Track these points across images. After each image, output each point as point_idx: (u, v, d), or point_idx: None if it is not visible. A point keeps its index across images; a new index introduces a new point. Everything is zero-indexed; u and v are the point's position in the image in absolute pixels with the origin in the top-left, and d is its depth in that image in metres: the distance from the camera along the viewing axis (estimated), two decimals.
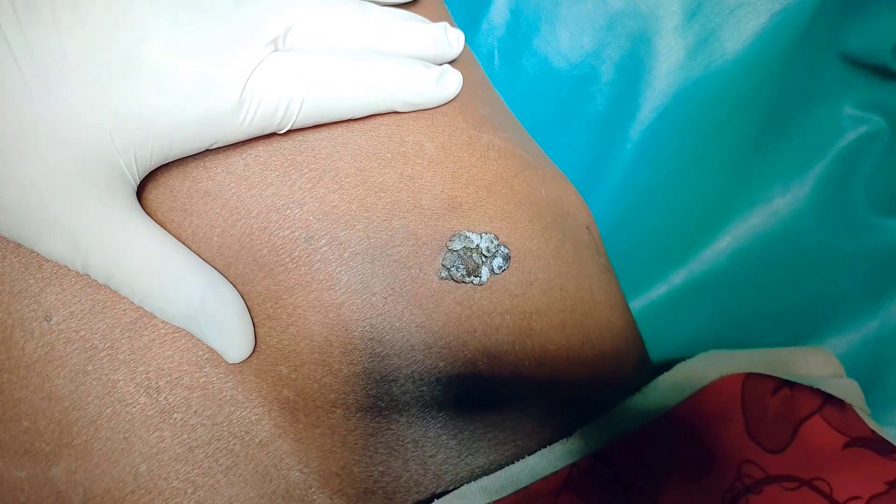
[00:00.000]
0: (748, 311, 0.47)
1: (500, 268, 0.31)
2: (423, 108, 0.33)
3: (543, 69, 0.45)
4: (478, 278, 0.31)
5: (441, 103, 0.33)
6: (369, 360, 0.30)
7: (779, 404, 0.35)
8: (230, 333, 0.29)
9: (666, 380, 0.35)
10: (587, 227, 0.38)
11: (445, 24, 0.34)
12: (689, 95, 0.44)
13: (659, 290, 0.48)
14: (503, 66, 0.46)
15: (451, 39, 0.34)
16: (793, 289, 0.47)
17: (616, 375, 0.36)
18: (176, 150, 0.27)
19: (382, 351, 0.30)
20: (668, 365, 0.37)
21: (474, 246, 0.31)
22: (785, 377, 0.35)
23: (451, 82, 0.33)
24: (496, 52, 0.46)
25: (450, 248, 0.31)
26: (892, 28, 0.43)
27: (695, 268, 0.48)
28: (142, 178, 0.28)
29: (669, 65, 0.43)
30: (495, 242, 0.31)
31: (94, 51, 0.24)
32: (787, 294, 0.47)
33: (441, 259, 0.31)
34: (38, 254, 0.28)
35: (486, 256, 0.31)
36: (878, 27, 0.43)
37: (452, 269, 0.31)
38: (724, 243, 0.47)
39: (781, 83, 0.44)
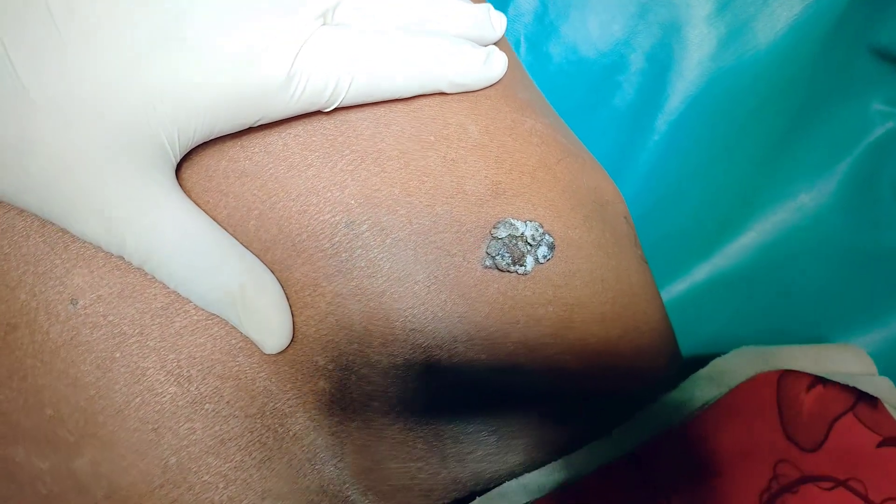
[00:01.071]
0: (771, 308, 0.47)
1: (544, 257, 0.30)
2: (469, 89, 0.31)
3: (571, 57, 0.45)
4: (522, 267, 0.30)
5: (487, 85, 0.32)
6: (410, 351, 0.29)
7: (813, 402, 0.35)
8: (268, 322, 0.27)
9: (701, 377, 0.35)
10: (625, 218, 0.37)
11: (488, 5, 0.33)
12: (719, 86, 0.43)
13: (681, 286, 0.48)
14: (529, 54, 0.45)
15: (494, 21, 0.33)
16: (817, 286, 0.46)
17: (652, 369, 0.36)
18: (220, 126, 0.26)
19: (424, 342, 0.29)
20: (698, 360, 0.36)
21: (519, 234, 0.30)
22: (821, 374, 0.35)
23: (497, 64, 0.32)
24: (522, 40, 0.45)
25: (494, 235, 0.30)
26: None
27: (718, 263, 0.47)
28: (183, 155, 0.27)
29: (700, 55, 0.43)
30: (540, 231, 0.30)
31: (136, 19, 0.23)
32: (812, 291, 0.46)
33: (485, 247, 0.30)
34: (65, 233, 0.27)
35: (530, 245, 0.30)
36: None
37: (497, 257, 0.30)
38: (749, 238, 0.47)
39: (812, 76, 0.44)
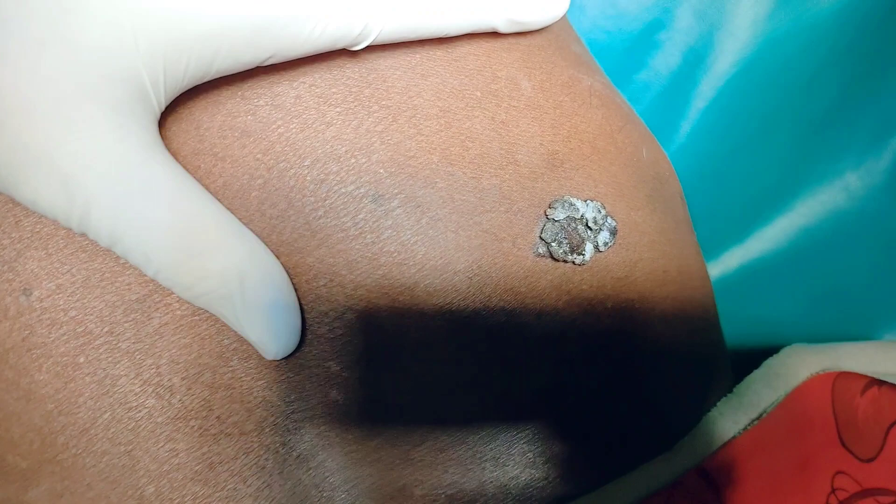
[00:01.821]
0: (812, 298, 0.44)
1: (605, 244, 0.26)
2: (529, 28, 0.27)
3: (608, 11, 0.41)
4: (581, 256, 0.25)
5: (549, 23, 0.27)
6: (449, 355, 0.25)
7: (867, 406, 0.32)
8: (272, 321, 0.23)
9: (756, 380, 0.32)
10: (681, 197, 0.33)
11: None
12: (773, 50, 0.40)
13: (713, 271, 0.45)
14: None
15: None
16: (863, 274, 0.43)
17: (708, 370, 0.33)
18: (220, 63, 0.21)
19: (464, 343, 0.25)
20: (742, 354, 0.34)
21: (579, 216, 0.25)
22: (878, 374, 0.32)
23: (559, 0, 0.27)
24: None
25: (551, 217, 0.25)
26: None
27: (754, 247, 0.44)
28: (169, 103, 0.21)
29: (756, 13, 0.39)
30: (602, 212, 0.26)
31: None
32: (857, 280, 0.43)
33: (539, 230, 0.25)
34: (15, 206, 0.22)
35: (591, 229, 0.25)
36: None
37: (553, 244, 0.25)
38: (788, 221, 0.44)
39: (874, 42, 0.40)
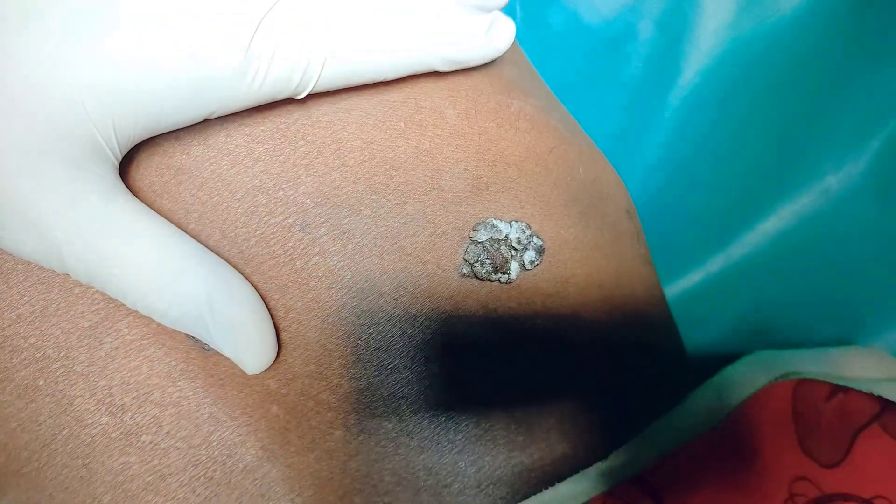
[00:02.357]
0: (792, 301, 0.44)
1: (532, 263, 0.27)
2: (469, 65, 0.27)
3: (572, 25, 0.41)
4: (506, 276, 0.26)
5: (491, 59, 0.28)
6: (375, 373, 0.26)
7: (832, 413, 0.33)
8: (247, 336, 0.24)
9: (709, 389, 0.33)
10: (627, 212, 0.34)
11: None
12: (737, 56, 0.40)
13: (694, 277, 0.45)
14: (526, 22, 0.42)
15: None
16: (843, 277, 0.43)
17: (652, 381, 0.33)
18: (166, 121, 0.22)
19: (391, 363, 0.26)
20: (706, 363, 0.34)
21: (503, 237, 0.26)
22: (841, 381, 0.32)
23: (503, 33, 0.27)
24: (518, 5, 0.42)
25: (474, 238, 0.26)
26: None
27: (735, 252, 0.44)
28: (125, 153, 0.23)
29: (717, 21, 0.39)
30: (527, 232, 0.27)
31: None
32: (837, 283, 0.43)
33: (463, 252, 0.26)
34: None
35: (516, 249, 0.27)
36: None
37: (476, 264, 0.26)
38: (769, 225, 0.44)
39: (841, 44, 0.40)
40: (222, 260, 0.25)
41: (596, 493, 0.29)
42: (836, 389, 0.33)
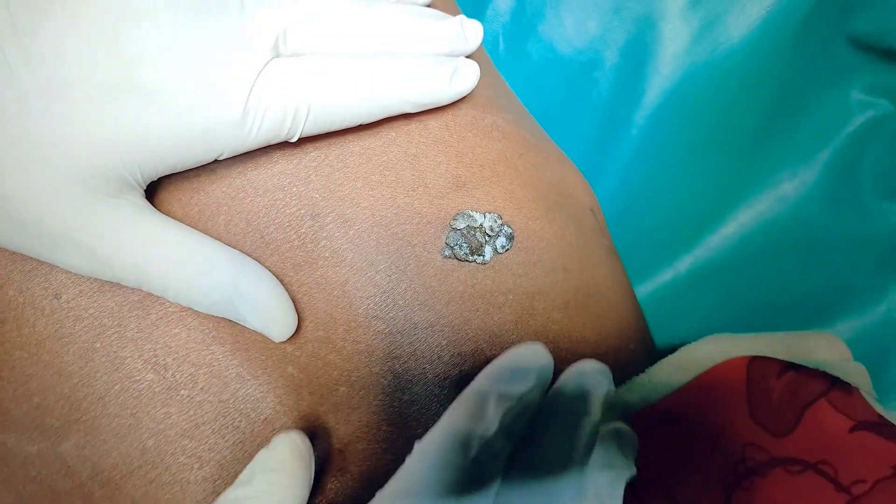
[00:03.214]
0: (754, 298, 0.47)
1: (503, 247, 0.32)
2: (436, 106, 0.31)
3: (548, 55, 0.45)
4: (481, 257, 0.31)
5: (455, 99, 0.32)
6: (372, 337, 0.30)
7: (784, 387, 0.35)
8: (269, 312, 0.29)
9: (670, 362, 0.36)
10: (591, 210, 0.38)
11: (462, 17, 0.33)
12: (694, 80, 0.44)
13: (665, 277, 0.48)
14: (508, 53, 0.46)
15: (469, 33, 0.32)
16: (800, 274, 0.47)
17: (618, 355, 0.36)
18: (182, 163, 0.27)
19: (385, 328, 0.30)
20: (673, 350, 0.37)
21: (478, 225, 0.31)
22: (792, 360, 0.35)
23: (466, 77, 0.31)
24: (501, 39, 0.46)
25: (453, 226, 0.31)
26: None
27: (701, 254, 0.47)
28: (148, 184, 0.28)
29: (675, 49, 0.43)
30: (499, 222, 0.31)
31: (94, 64, 0.24)
32: (794, 280, 0.47)
33: (445, 237, 0.31)
34: None
35: (489, 235, 0.31)
36: (886, 9, 0.43)
37: (456, 247, 0.31)
38: (731, 229, 0.47)
39: (788, 68, 0.44)
40: (242, 253, 0.29)
41: None
42: (788, 367, 0.35)
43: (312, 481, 0.27)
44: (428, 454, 0.24)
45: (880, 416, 0.35)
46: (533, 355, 0.25)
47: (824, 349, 0.38)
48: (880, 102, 0.46)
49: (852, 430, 0.34)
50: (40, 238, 0.26)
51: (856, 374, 0.36)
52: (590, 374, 0.27)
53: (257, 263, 0.29)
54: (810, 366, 0.35)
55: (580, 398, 0.27)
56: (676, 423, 0.35)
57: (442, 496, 0.24)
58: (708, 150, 0.46)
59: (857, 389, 0.35)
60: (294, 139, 0.28)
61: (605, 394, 0.27)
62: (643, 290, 0.48)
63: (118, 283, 0.29)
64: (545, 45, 0.45)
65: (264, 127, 0.27)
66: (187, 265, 0.27)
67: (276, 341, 0.30)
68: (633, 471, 0.28)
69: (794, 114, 0.46)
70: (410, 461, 0.25)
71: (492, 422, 0.24)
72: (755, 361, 0.35)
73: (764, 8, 0.42)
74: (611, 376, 0.27)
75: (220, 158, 0.28)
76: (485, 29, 0.43)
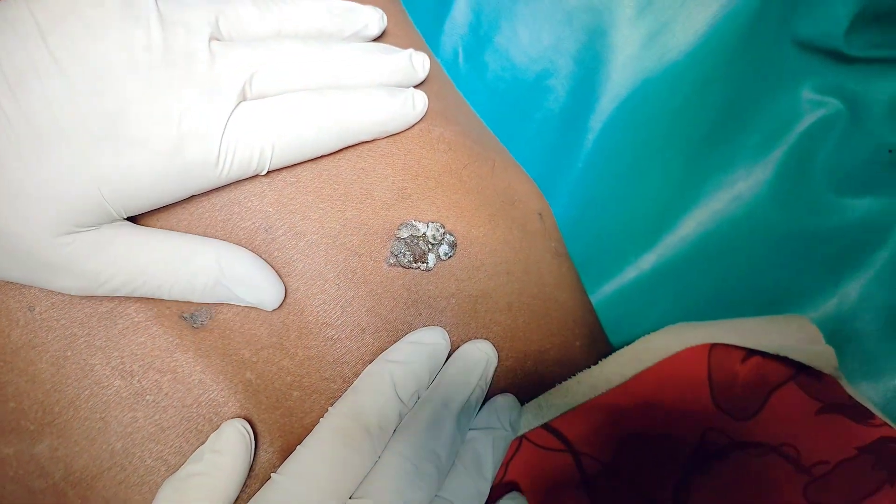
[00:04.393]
0: (713, 294, 0.48)
1: (446, 254, 0.33)
2: (392, 133, 0.34)
3: (505, 65, 0.47)
4: (424, 264, 0.33)
5: (410, 125, 0.35)
6: (323, 343, 0.32)
7: (749, 372, 0.36)
8: (256, 284, 0.31)
9: (625, 353, 0.37)
10: (539, 214, 0.40)
11: (410, 50, 0.35)
12: (646, 86, 0.45)
13: (628, 275, 0.49)
14: (467, 63, 0.48)
15: (416, 64, 0.35)
16: (756, 269, 0.48)
17: (564, 352, 0.38)
18: (162, 199, 0.29)
19: (335, 335, 0.32)
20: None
21: (421, 234, 0.33)
22: (755, 347, 0.36)
23: (417, 104, 0.35)
24: (460, 50, 0.48)
25: (397, 236, 0.33)
26: (843, 12, 0.44)
27: (662, 253, 0.49)
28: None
29: (625, 56, 0.44)
30: (441, 230, 0.33)
31: (81, 116, 0.26)
32: (751, 274, 0.48)
33: (390, 247, 0.33)
34: None
35: (432, 244, 0.33)
36: (829, 12, 0.44)
37: (400, 255, 0.33)
38: (690, 228, 0.48)
39: (738, 71, 0.45)
40: (220, 240, 0.31)
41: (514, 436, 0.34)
42: (752, 352, 0.36)
43: (251, 462, 0.31)
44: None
45: (850, 398, 0.36)
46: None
47: (793, 333, 0.38)
48: (830, 101, 0.47)
49: (819, 412, 0.35)
50: (33, 268, 0.28)
51: (825, 356, 0.37)
52: (471, 351, 0.33)
53: (237, 246, 0.32)
54: (776, 352, 0.36)
55: (463, 372, 0.32)
56: (629, 412, 0.36)
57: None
58: (664, 152, 0.47)
59: (826, 373, 0.36)
60: (263, 173, 0.31)
61: (485, 366, 0.33)
62: (606, 290, 0.49)
63: (89, 297, 0.31)
64: (502, 56, 0.47)
65: (235, 165, 0.29)
66: (171, 259, 0.30)
67: (269, 310, 0.32)
68: (514, 433, 0.34)
69: (746, 114, 0.47)
70: None
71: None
72: (717, 348, 0.36)
73: (709, 14, 0.43)
74: (494, 352, 0.34)
75: (198, 193, 0.30)
76: (444, 42, 0.45)
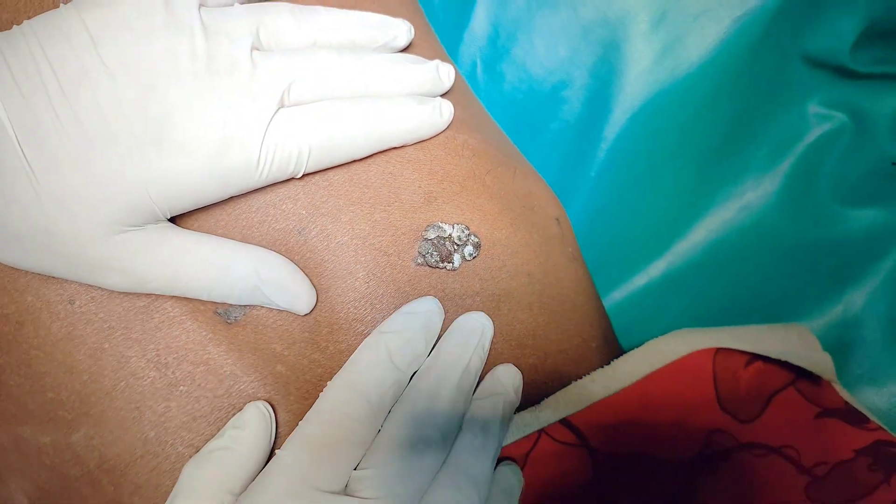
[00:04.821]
0: (721, 301, 0.50)
1: (470, 255, 0.35)
2: (420, 139, 0.36)
3: (522, 76, 0.48)
4: (450, 264, 0.34)
5: (438, 132, 0.36)
6: (353, 338, 0.33)
7: (751, 377, 0.37)
8: (291, 290, 0.32)
9: (636, 355, 0.38)
10: (556, 219, 0.41)
11: (437, 61, 0.37)
12: (659, 98, 0.46)
13: (638, 282, 0.51)
14: (485, 74, 0.49)
15: (443, 75, 0.37)
16: (763, 277, 0.49)
17: (580, 352, 0.39)
18: (204, 199, 0.31)
19: (364, 330, 0.33)
20: None
21: (447, 235, 0.34)
22: (757, 352, 0.37)
23: (444, 113, 0.36)
24: (479, 61, 0.49)
25: (425, 237, 0.34)
26: (848, 29, 0.45)
27: (673, 260, 0.50)
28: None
29: (639, 69, 0.46)
30: (466, 232, 0.35)
31: (129, 123, 0.28)
32: (759, 282, 0.49)
33: (417, 247, 0.34)
34: None
35: (457, 245, 0.34)
36: (836, 29, 0.46)
37: (427, 255, 0.34)
38: (699, 237, 0.50)
39: (747, 85, 0.47)
40: (258, 246, 0.33)
41: (531, 431, 0.35)
42: (754, 357, 0.37)
43: (273, 439, 0.32)
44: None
45: (846, 403, 0.37)
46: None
47: (793, 341, 0.39)
48: (837, 115, 0.49)
49: (818, 416, 0.37)
50: (83, 266, 0.29)
51: (822, 363, 0.38)
52: (467, 322, 0.35)
53: (274, 252, 0.33)
54: (778, 357, 0.37)
55: (460, 342, 0.33)
56: (639, 412, 0.37)
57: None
58: (675, 162, 0.48)
59: (824, 379, 0.37)
60: (298, 176, 0.32)
61: (481, 335, 0.34)
62: (617, 296, 0.51)
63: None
64: (519, 67, 0.48)
65: (274, 168, 0.31)
66: (213, 265, 0.31)
67: (303, 314, 0.33)
68: (517, 398, 0.35)
69: (755, 127, 0.48)
70: None
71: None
72: (721, 353, 0.37)
73: (721, 29, 0.45)
74: (490, 322, 0.35)
75: (240, 193, 0.32)
76: (463, 53, 0.46)
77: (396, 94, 0.34)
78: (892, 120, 0.47)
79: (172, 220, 0.32)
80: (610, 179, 0.49)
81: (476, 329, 0.34)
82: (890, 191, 0.48)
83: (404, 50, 0.38)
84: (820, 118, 0.49)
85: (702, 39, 0.45)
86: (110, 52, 0.27)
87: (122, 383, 0.32)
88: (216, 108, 0.29)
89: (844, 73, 0.47)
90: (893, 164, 0.48)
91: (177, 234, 0.31)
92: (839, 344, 0.47)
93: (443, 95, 0.37)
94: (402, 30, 0.36)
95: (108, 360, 0.32)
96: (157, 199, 0.29)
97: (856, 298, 0.47)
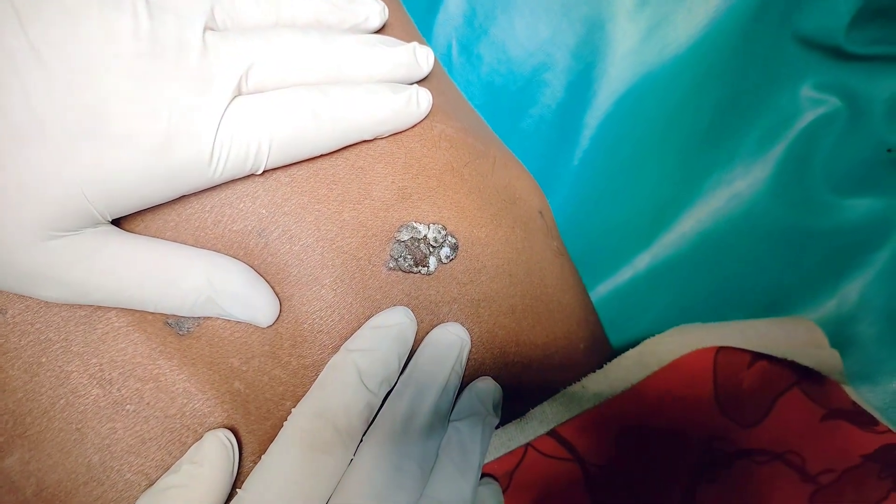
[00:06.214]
0: (711, 293, 0.48)
1: (447, 257, 0.32)
2: (394, 132, 0.33)
3: (501, 57, 0.45)
4: (425, 268, 0.31)
5: (413, 123, 0.33)
6: (318, 352, 0.31)
7: (755, 377, 0.36)
8: (250, 301, 0.29)
9: (630, 357, 0.36)
10: (540, 212, 0.39)
11: (415, 44, 0.33)
12: (645, 80, 0.44)
13: (625, 275, 0.49)
14: (461, 56, 0.46)
15: (420, 59, 0.33)
16: (754, 269, 0.47)
17: (568, 355, 0.37)
18: (150, 199, 0.27)
19: (331, 343, 0.31)
20: (633, 346, 0.37)
21: (422, 236, 0.31)
22: (760, 350, 0.35)
23: (421, 103, 0.33)
24: (454, 42, 0.46)
25: (397, 238, 0.31)
26: (844, 8, 0.43)
27: (659, 252, 0.48)
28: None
29: (623, 50, 0.43)
30: (443, 233, 0.32)
31: (61, 112, 0.24)
32: (749, 275, 0.47)
33: (389, 250, 0.31)
34: None
35: (433, 246, 0.32)
36: (830, 7, 0.43)
37: (400, 259, 0.31)
38: (687, 226, 0.48)
39: (738, 66, 0.44)
40: (212, 252, 0.29)
41: (516, 446, 0.33)
42: (758, 356, 0.35)
43: (235, 474, 0.29)
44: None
45: (854, 404, 0.35)
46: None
47: (799, 336, 0.37)
48: (829, 99, 0.46)
49: (824, 418, 0.35)
50: (12, 276, 0.26)
51: (829, 360, 0.36)
52: (442, 335, 0.32)
53: (229, 258, 0.30)
54: (780, 355, 0.35)
55: (436, 358, 0.31)
56: (634, 419, 0.35)
57: None
58: (662, 149, 0.46)
59: (830, 378, 0.35)
60: (258, 172, 0.29)
61: (459, 350, 0.31)
62: (603, 289, 0.49)
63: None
64: (497, 48, 0.45)
65: (229, 164, 0.27)
66: (161, 274, 0.28)
67: (264, 327, 0.30)
68: (497, 417, 0.32)
69: (746, 111, 0.46)
70: None
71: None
72: (723, 352, 0.36)
73: (711, 8, 0.42)
74: (467, 335, 0.32)
75: (189, 193, 0.28)
76: (437, 34, 0.43)
77: (368, 81, 0.31)
78: (888, 104, 0.45)
79: (115, 222, 0.29)
80: (593, 168, 0.46)
81: (454, 343, 0.31)
82: (886, 178, 0.46)
83: (378, 32, 0.34)
84: (813, 102, 0.47)
85: (690, 18, 0.43)
86: (39, 33, 0.24)
87: (61, 401, 0.29)
88: (159, 97, 0.25)
89: (839, 54, 0.45)
90: (889, 150, 0.46)
91: (119, 238, 0.28)
92: (834, 339, 0.45)
93: (419, 82, 0.34)
94: (374, 9, 0.33)
95: (45, 376, 0.29)
96: (93, 200, 0.25)
97: (850, 291, 0.46)
